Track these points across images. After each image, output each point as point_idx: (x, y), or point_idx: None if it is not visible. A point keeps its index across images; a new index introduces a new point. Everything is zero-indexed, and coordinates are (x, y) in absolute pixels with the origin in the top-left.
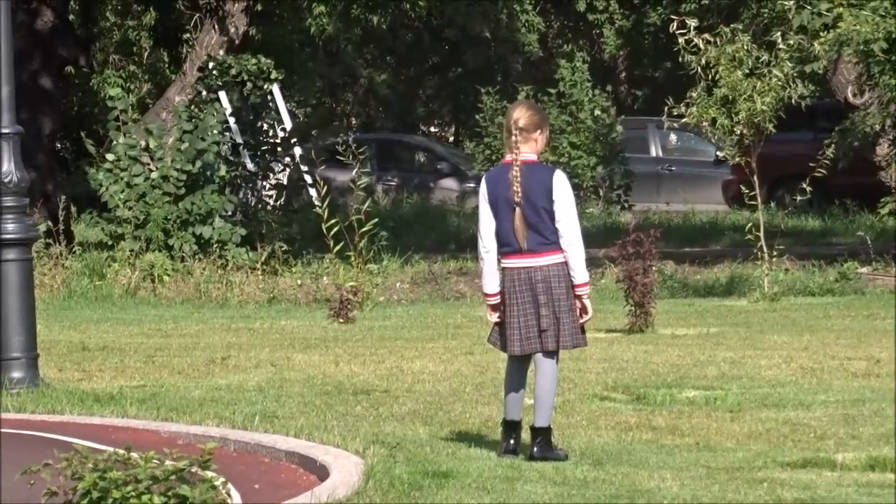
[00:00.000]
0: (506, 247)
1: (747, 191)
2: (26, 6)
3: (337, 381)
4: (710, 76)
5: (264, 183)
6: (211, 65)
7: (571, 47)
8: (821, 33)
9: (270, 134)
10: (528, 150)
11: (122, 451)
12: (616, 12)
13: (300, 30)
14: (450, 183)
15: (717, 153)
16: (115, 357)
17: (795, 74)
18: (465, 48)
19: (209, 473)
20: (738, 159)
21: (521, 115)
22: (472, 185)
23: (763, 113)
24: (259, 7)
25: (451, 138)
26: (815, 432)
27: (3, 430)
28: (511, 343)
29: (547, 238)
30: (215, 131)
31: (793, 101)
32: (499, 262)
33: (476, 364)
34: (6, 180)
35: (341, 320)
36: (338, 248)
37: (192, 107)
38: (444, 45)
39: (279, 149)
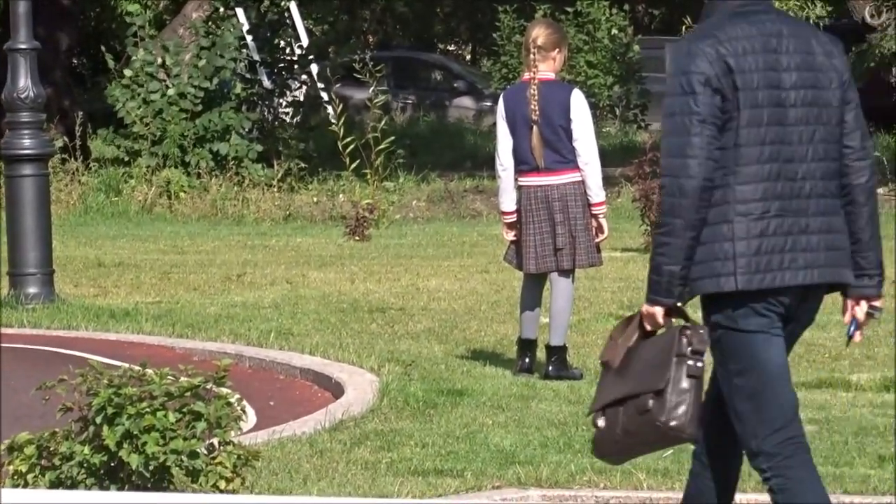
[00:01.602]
0: (523, 165)
1: None
2: None
3: (352, 299)
4: None
5: (281, 100)
6: None
7: None
8: None
9: (287, 51)
10: (546, 68)
11: (137, 368)
12: None
13: None
14: (466, 101)
15: None
16: (130, 273)
17: None
18: None
19: (224, 390)
20: None
21: (539, 33)
22: (488, 103)
23: None
24: None
25: (468, 56)
26: (831, 353)
27: (18, 346)
28: (527, 261)
29: (564, 156)
30: (232, 48)
31: (810, 21)
32: (516, 180)
33: (491, 282)
34: (23, 96)
35: (357, 238)
36: (354, 165)
37: (210, 23)
38: None
39: (296, 66)
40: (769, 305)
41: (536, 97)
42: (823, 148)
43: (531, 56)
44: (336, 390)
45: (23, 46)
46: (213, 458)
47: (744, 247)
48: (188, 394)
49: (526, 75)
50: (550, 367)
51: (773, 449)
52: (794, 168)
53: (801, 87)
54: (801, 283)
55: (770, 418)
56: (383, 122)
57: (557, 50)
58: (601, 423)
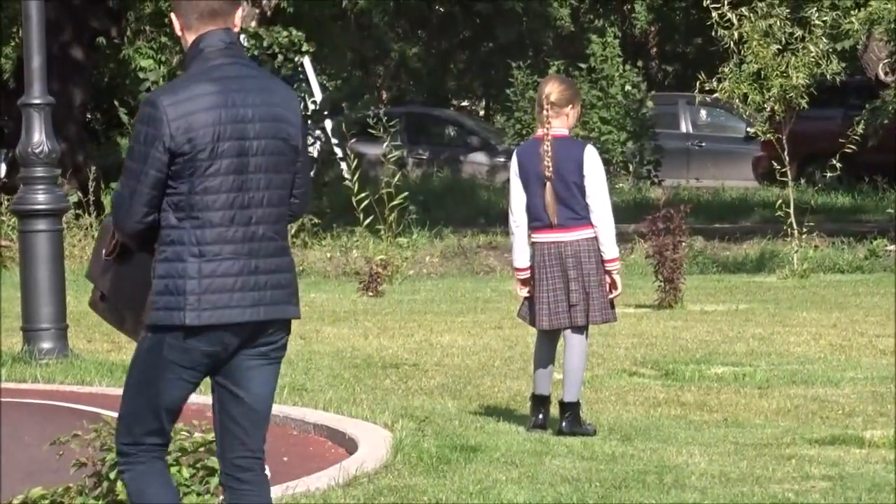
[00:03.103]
0: (536, 221)
1: (777, 167)
2: None
3: (366, 355)
4: (741, 51)
5: None
6: (243, 37)
7: (603, 22)
8: (851, 11)
9: (301, 106)
10: (560, 124)
11: None
12: None
13: (332, 3)
14: (480, 157)
15: (748, 129)
16: None
17: (830, 51)
18: (497, 22)
19: None
20: (768, 135)
21: (553, 89)
22: (502, 159)
23: (797, 88)
24: None
25: (482, 112)
26: (844, 409)
27: (32, 402)
28: (540, 317)
29: (577, 213)
30: None
31: (827, 77)
32: (529, 236)
33: (505, 338)
34: (37, 151)
35: (371, 294)
36: (367, 221)
37: None
38: (475, 19)
39: (310, 122)
40: (207, 341)
41: (550, 153)
42: (277, 195)
43: (544, 112)
44: (350, 446)
45: (37, 101)
46: None
47: (194, 285)
48: (202, 449)
49: (539, 131)
50: (564, 424)
51: (130, 450)
52: (249, 213)
53: (263, 137)
54: (247, 321)
55: (141, 429)
56: (397, 178)
57: (571, 106)
58: (99, 301)
